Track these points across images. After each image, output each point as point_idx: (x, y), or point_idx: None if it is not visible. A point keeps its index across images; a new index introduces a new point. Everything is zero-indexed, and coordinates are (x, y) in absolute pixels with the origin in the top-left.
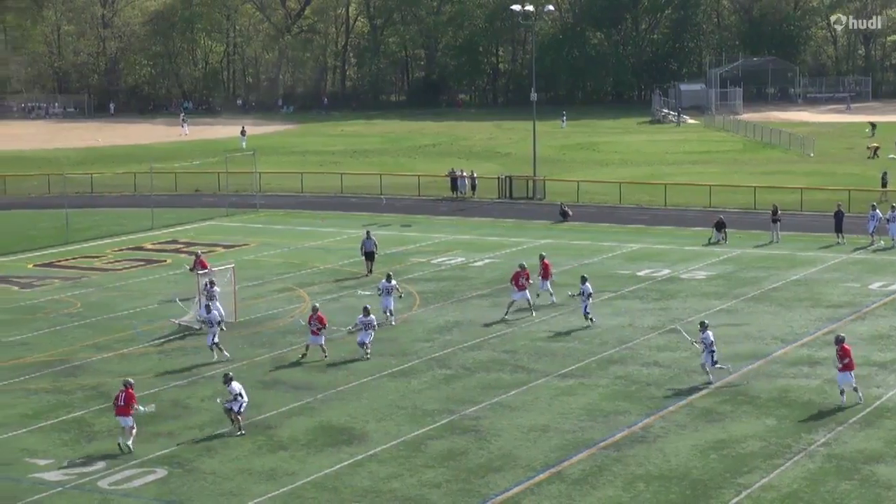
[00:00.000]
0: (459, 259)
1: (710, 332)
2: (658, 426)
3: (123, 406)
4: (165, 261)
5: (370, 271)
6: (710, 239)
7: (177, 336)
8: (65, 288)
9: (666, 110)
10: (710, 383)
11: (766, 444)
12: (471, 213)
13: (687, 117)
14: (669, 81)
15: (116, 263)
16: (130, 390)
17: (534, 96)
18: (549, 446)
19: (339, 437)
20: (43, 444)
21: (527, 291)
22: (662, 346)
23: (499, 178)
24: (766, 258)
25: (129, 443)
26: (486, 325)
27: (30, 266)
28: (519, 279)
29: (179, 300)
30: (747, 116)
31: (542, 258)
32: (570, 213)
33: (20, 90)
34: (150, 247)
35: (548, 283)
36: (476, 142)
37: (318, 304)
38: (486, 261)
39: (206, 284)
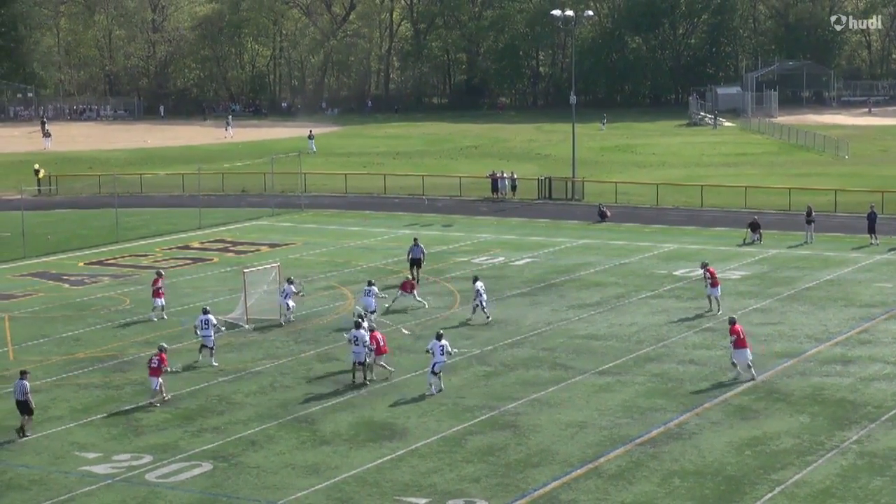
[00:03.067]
0: (500, 258)
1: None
2: (693, 423)
3: (156, 368)
4: (212, 259)
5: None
6: (745, 239)
7: (223, 332)
8: (115, 286)
9: (703, 113)
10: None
11: (799, 441)
12: (511, 214)
13: (723, 120)
14: (706, 85)
15: (165, 262)
16: (164, 354)
17: (573, 99)
18: (587, 442)
19: (381, 433)
20: (92, 437)
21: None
22: (698, 344)
23: (538, 179)
24: (800, 258)
25: (157, 400)
26: (526, 323)
27: (80, 264)
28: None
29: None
30: (782, 119)
31: (705, 265)
32: (609, 213)
33: (72, 93)
34: (197, 245)
35: (717, 290)
36: (516, 144)
37: (374, 325)
38: (526, 260)
39: (284, 283)
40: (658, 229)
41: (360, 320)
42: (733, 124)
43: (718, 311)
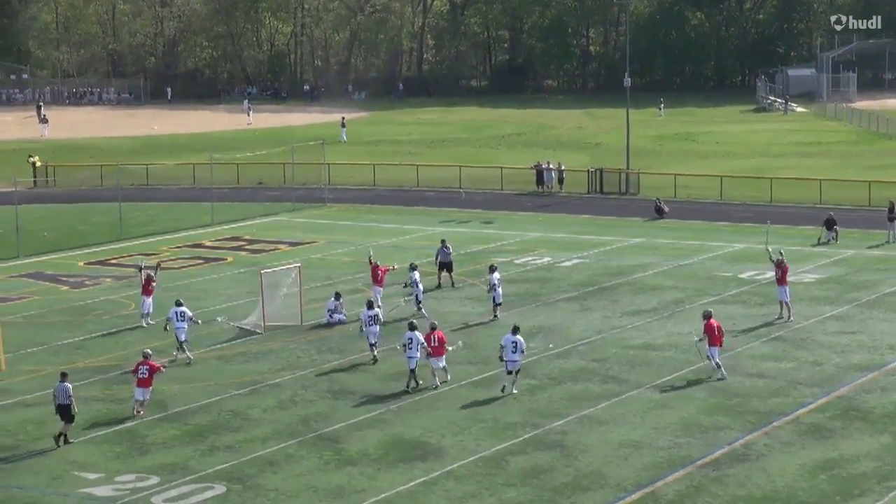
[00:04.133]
0: (545, 259)
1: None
2: (761, 443)
3: (146, 378)
4: (226, 259)
5: (445, 283)
6: (819, 238)
7: (238, 340)
8: (118, 288)
9: (772, 97)
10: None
11: (880, 464)
12: (558, 209)
13: (795, 105)
14: (776, 66)
15: (173, 262)
16: (152, 362)
17: (627, 82)
18: (642, 464)
19: (413, 452)
20: (93, 456)
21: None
22: (766, 356)
23: (588, 170)
24: (881, 260)
25: (142, 410)
26: (575, 331)
27: (80, 264)
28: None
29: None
30: (861, 104)
31: (779, 262)
32: (666, 209)
33: (71, 74)
34: (209, 244)
35: (786, 292)
36: (564, 131)
37: (435, 322)
38: (575, 261)
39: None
40: (722, 227)
41: (414, 322)
42: (806, 110)
43: (790, 317)
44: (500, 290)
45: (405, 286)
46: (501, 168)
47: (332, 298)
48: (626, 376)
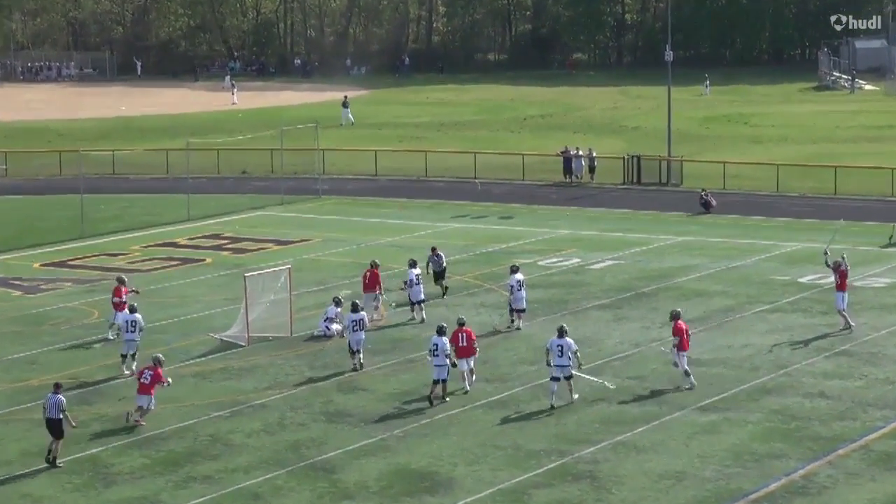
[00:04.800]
0: (574, 260)
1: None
2: (824, 474)
3: (148, 384)
4: (205, 260)
5: (444, 294)
6: (890, 238)
7: (218, 354)
8: (79, 293)
9: (836, 73)
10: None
11: None
12: (588, 203)
13: (863, 82)
14: (841, 37)
15: (144, 263)
16: (160, 369)
17: (669, 56)
18: (685, 498)
19: (420, 484)
20: (50, 488)
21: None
22: (830, 373)
23: (624, 158)
24: None
25: (138, 416)
26: (609, 344)
27: (36, 266)
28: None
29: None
30: None
31: (837, 265)
32: (714, 202)
33: (26, 46)
34: (185, 242)
35: (843, 299)
36: (595, 112)
37: (464, 318)
38: (608, 262)
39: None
40: (779, 223)
41: (443, 326)
42: (876, 87)
43: (849, 327)
44: (522, 293)
45: (404, 286)
46: (523, 155)
47: (332, 305)
48: (668, 396)
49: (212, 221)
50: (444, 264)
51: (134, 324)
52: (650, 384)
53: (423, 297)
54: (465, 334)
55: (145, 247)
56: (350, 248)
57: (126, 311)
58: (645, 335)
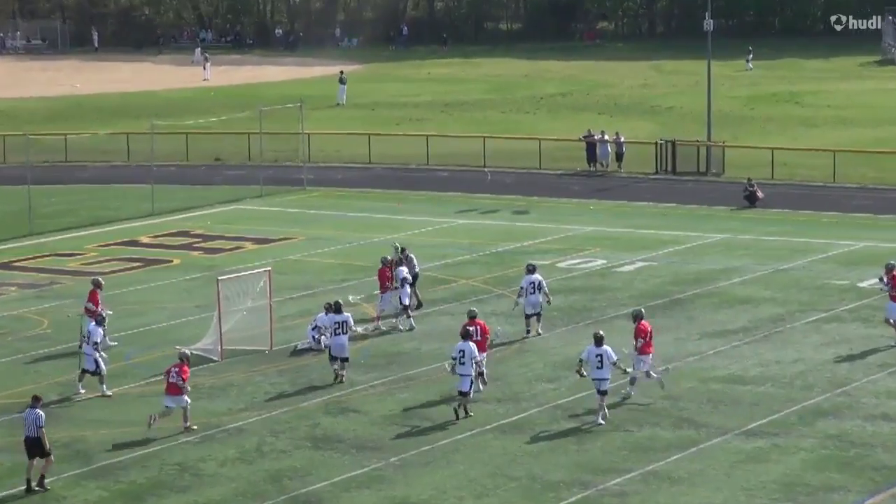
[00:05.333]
0: (598, 261)
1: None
2: None
3: (176, 384)
4: (171, 261)
5: (417, 304)
6: None
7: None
8: (26, 300)
9: None
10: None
11: None
12: (615, 195)
13: None
14: None
15: (101, 264)
16: (185, 366)
17: (709, 25)
18: None
19: None
20: None
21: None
22: (894, 392)
23: (657, 143)
24: None
25: (189, 424)
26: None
27: None
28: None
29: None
30: None
31: (889, 269)
32: (760, 194)
33: None
34: (149, 241)
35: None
36: (624, 90)
37: (475, 310)
38: (638, 264)
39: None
40: (835, 219)
41: (470, 330)
42: None
43: None
44: (538, 297)
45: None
46: (539, 140)
47: (322, 313)
48: (707, 419)
49: (180, 217)
50: (417, 270)
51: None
52: (686, 404)
53: (407, 301)
54: (478, 327)
55: (103, 246)
56: (340, 247)
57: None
58: (680, 348)
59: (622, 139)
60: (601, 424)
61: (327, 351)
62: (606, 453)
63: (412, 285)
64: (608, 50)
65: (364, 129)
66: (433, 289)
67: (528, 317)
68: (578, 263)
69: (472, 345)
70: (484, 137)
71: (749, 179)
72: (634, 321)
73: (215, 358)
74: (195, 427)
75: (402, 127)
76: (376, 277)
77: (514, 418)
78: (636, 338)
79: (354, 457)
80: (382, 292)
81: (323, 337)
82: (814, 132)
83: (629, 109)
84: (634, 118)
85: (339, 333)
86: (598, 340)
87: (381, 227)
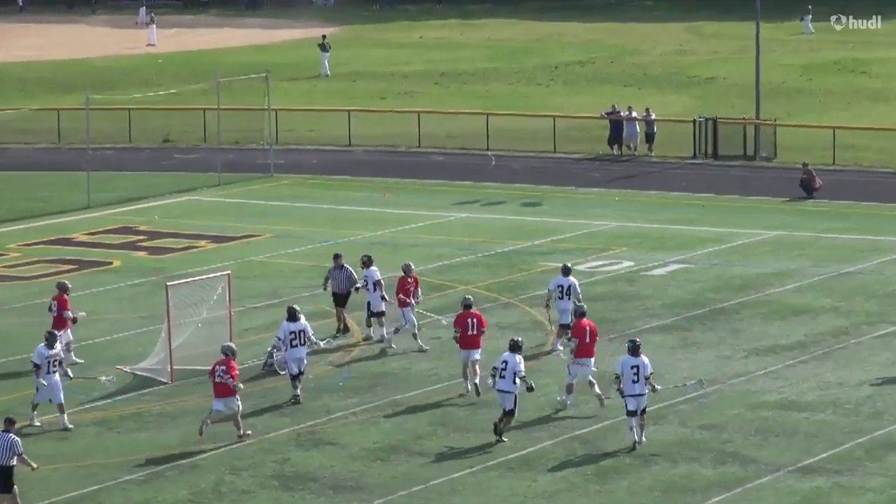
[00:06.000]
0: (625, 263)
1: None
2: None
3: (224, 384)
4: (111, 263)
5: (342, 328)
6: None
7: (131, 394)
8: None
9: None
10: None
11: None
12: (645, 183)
13: None
14: None
15: (25, 267)
16: (232, 361)
17: None
18: None
19: None
20: None
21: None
22: None
23: (695, 121)
24: None
25: (243, 432)
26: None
27: None
28: (406, 290)
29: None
30: None
31: None
32: (819, 182)
33: None
34: (84, 239)
35: None
36: (655, 58)
37: (471, 298)
38: (672, 267)
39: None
40: None
41: (517, 340)
42: None
43: None
44: (567, 304)
45: (357, 289)
46: (554, 118)
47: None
48: (756, 453)
49: (121, 209)
50: (358, 284)
51: (57, 363)
52: (730, 435)
53: (383, 307)
54: (475, 319)
55: (27, 245)
56: (313, 246)
57: (69, 332)
58: (723, 368)
59: (653, 116)
60: (641, 444)
61: (285, 366)
62: (634, 494)
63: (343, 306)
64: (637, 9)
65: (343, 105)
66: (426, 297)
67: (562, 327)
68: (601, 266)
69: (518, 357)
70: (487, 115)
71: (805, 165)
72: (576, 317)
73: (164, 380)
74: (249, 433)
75: (388, 102)
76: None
77: (523, 452)
78: (570, 337)
79: (331, 498)
80: (402, 307)
81: (276, 352)
82: (884, 108)
83: (662, 81)
84: (668, 91)
85: (296, 345)
86: (634, 349)
87: (363, 222)
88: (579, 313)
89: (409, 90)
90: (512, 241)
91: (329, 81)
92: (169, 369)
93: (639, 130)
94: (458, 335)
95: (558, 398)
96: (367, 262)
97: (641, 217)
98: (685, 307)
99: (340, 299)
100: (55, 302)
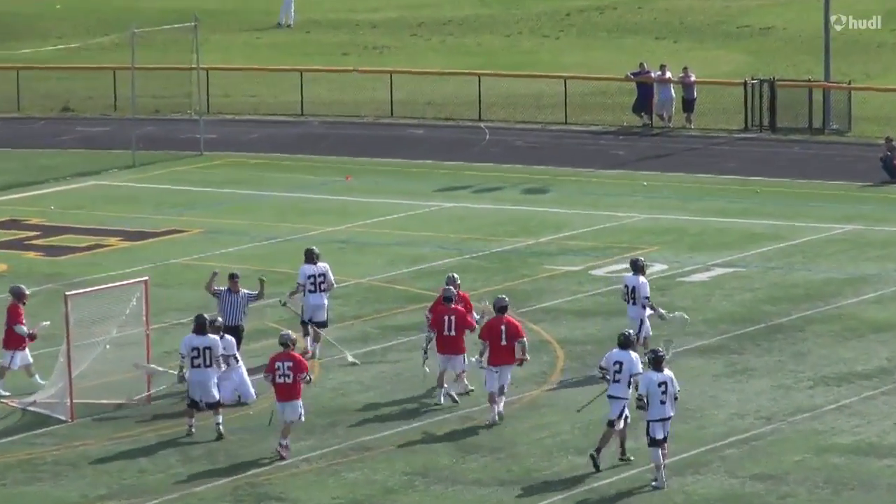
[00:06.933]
0: (656, 267)
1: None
2: None
3: (292, 384)
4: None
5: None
6: None
7: (16, 436)
8: None
9: None
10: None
11: None
12: (682, 164)
13: None
14: None
15: None
16: (297, 353)
17: None
18: None
19: None
20: None
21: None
22: None
23: (745, 83)
24: None
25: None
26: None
27: None
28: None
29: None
30: None
31: None
32: None
33: None
34: None
35: None
36: (695, 2)
37: (452, 289)
38: (717, 271)
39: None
40: None
41: (629, 333)
42: None
43: None
44: (639, 311)
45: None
46: (564, 79)
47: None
48: None
49: (7, 198)
50: (246, 309)
51: None
52: (793, 487)
53: (325, 316)
54: (452, 317)
55: None
56: (254, 245)
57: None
58: (783, 401)
59: (692, 78)
60: (658, 489)
61: (186, 388)
62: None
63: (238, 335)
64: None
65: (293, 63)
66: (399, 310)
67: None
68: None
69: (634, 355)
70: (479, 75)
71: (889, 140)
72: (498, 312)
73: (62, 416)
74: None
75: (351, 59)
76: (427, 314)
77: (523, 500)
78: (481, 337)
79: None
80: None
81: (168, 370)
82: None
83: (703, 32)
84: (711, 45)
85: (199, 366)
86: (657, 362)
87: (319, 214)
88: (498, 307)
89: (379, 44)
90: (511, 237)
91: (277, 34)
92: (68, 403)
93: (674, 96)
94: (435, 337)
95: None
96: (311, 257)
97: (677, 207)
98: (734, 323)
99: (232, 330)
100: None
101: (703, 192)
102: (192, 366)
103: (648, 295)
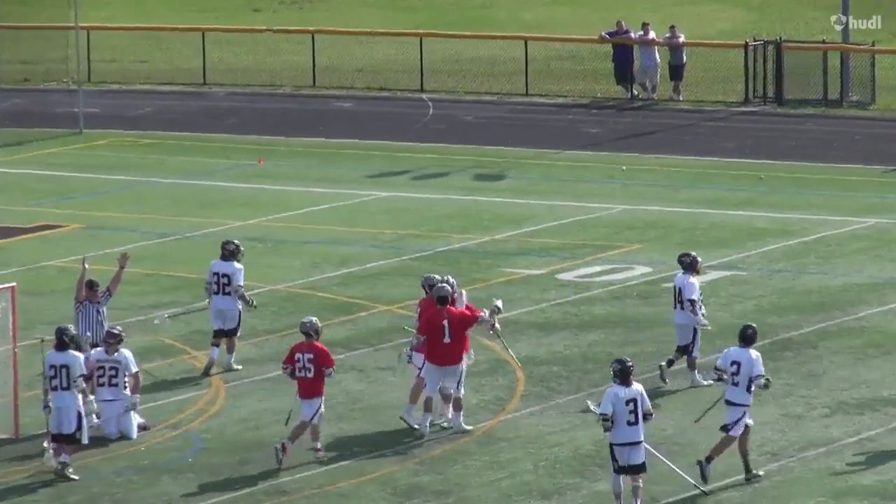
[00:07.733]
0: (638, 270)
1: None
2: None
3: (315, 379)
4: None
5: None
6: None
7: None
8: None
9: None
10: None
11: None
12: (669, 144)
13: None
14: None
15: None
16: (322, 347)
17: None
18: None
19: None
20: None
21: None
22: None
23: (747, 45)
24: None
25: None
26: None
27: None
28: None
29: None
30: None
31: None
32: None
33: None
34: None
35: None
36: None
37: (447, 284)
38: (713, 275)
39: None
40: None
41: (752, 327)
42: None
43: None
44: (687, 316)
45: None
46: (526, 40)
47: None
48: None
49: None
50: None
51: None
52: None
53: (237, 323)
54: (447, 321)
55: None
56: (145, 244)
57: None
58: (794, 432)
59: (681, 38)
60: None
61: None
62: None
63: (231, 336)
64: None
65: (193, 21)
66: (324, 323)
67: (679, 350)
68: (600, 274)
69: (755, 354)
70: (420, 36)
71: None
72: (440, 305)
73: None
74: (322, 451)
75: (265, 16)
76: (416, 311)
77: None
78: (418, 333)
79: None
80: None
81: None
82: None
83: None
84: (703, 1)
85: (58, 388)
86: (624, 374)
87: (224, 205)
88: (437, 297)
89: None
90: (460, 234)
91: None
92: None
93: (659, 60)
94: (421, 344)
95: (416, 425)
96: (231, 253)
97: (663, 197)
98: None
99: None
100: None
101: (695, 178)
102: (51, 388)
103: (693, 298)
